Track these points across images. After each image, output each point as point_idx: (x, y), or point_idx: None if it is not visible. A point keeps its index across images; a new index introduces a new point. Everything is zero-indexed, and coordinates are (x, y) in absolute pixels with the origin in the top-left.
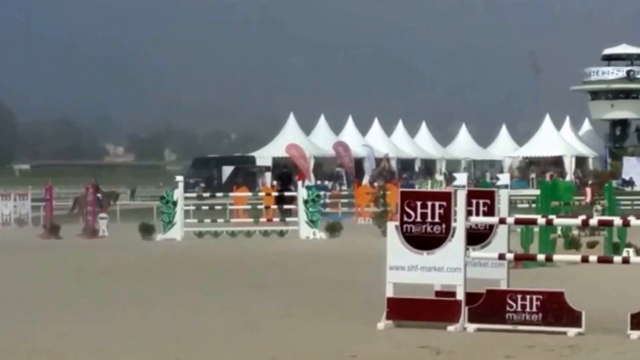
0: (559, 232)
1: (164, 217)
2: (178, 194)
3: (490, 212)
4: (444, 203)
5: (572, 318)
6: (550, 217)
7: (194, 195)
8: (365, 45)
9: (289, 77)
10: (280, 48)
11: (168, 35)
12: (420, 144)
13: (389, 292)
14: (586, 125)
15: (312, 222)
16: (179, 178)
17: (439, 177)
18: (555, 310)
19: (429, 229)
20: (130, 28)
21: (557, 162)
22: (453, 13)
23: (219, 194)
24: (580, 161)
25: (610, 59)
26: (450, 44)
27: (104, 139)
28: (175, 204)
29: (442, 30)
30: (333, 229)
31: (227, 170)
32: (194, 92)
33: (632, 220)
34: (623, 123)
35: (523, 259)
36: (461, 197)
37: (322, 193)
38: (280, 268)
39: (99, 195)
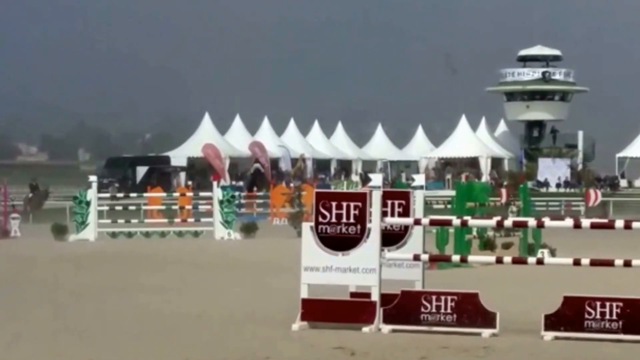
0: (474, 233)
1: (77, 218)
2: (91, 194)
3: (405, 213)
4: (359, 204)
5: (487, 319)
6: (466, 218)
7: (107, 195)
8: (283, 46)
9: (204, 77)
10: (195, 48)
11: (86, 37)
12: (336, 144)
13: (304, 293)
14: (502, 126)
15: (227, 223)
16: (93, 178)
17: (355, 177)
18: (470, 311)
19: (344, 229)
20: (43, 25)
21: (472, 163)
22: (370, 12)
23: (133, 195)
24: (496, 162)
25: (526, 60)
26: (367, 44)
27: (16, 138)
28: (88, 204)
29: (359, 30)
30: (248, 229)
31: (141, 171)
32: (108, 92)
33: (547, 221)
34: (538, 124)
35: (438, 260)
36: (376, 198)
37: (237, 194)
38: (193, 268)
39: (31, 194)
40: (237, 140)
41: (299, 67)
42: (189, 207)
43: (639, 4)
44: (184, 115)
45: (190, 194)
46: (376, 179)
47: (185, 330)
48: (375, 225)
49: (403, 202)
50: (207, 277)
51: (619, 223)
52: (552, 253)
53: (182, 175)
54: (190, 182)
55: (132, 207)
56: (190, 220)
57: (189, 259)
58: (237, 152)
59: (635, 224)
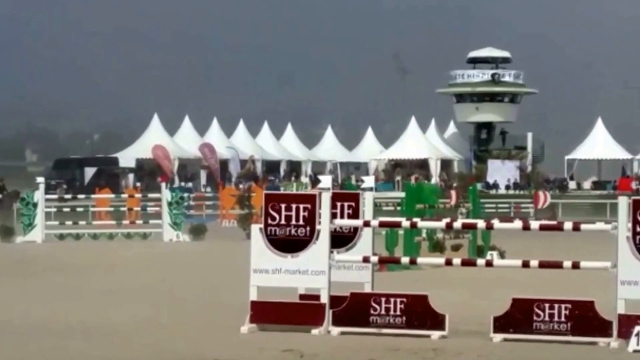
0: (424, 234)
1: (24, 219)
2: (39, 195)
3: (354, 214)
4: (309, 206)
5: (436, 321)
6: (415, 219)
7: (55, 196)
8: (232, 46)
9: (152, 77)
10: (144, 48)
11: (33, 37)
12: (285, 146)
13: (253, 296)
14: (451, 128)
15: (175, 225)
16: (40, 179)
17: (305, 179)
18: (419, 313)
19: (293, 231)
20: None
21: (422, 165)
22: (317, 13)
23: (81, 196)
24: (446, 164)
25: (476, 62)
26: (316, 45)
27: None
28: (35, 205)
29: (308, 31)
30: (197, 231)
31: (89, 172)
32: (56, 92)
33: (496, 223)
34: (488, 126)
35: (387, 262)
36: (326, 200)
37: (185, 195)
38: (142, 271)
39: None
40: (186, 142)
41: (248, 68)
42: (137, 208)
43: (587, 7)
44: (132, 116)
45: (138, 195)
46: (325, 180)
47: (134, 333)
48: (324, 227)
49: (352, 203)
50: (156, 280)
51: (568, 225)
52: (502, 255)
53: (131, 176)
54: (138, 184)
55: (80, 209)
56: (139, 222)
57: (137, 261)
58: (186, 154)
59: (583, 226)
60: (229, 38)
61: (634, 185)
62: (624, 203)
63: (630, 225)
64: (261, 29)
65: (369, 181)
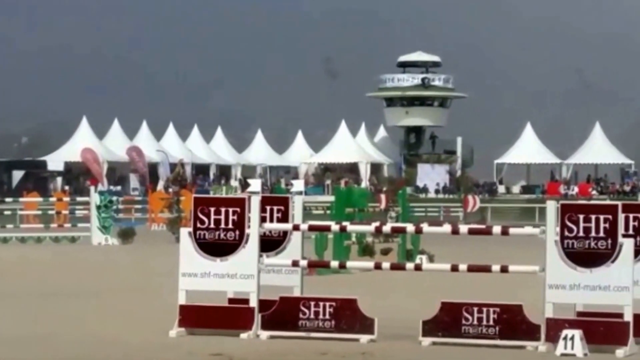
0: (353, 238)
1: None
2: None
3: (284, 218)
4: (238, 209)
5: (365, 325)
6: (344, 223)
7: None
8: (161, 50)
9: (81, 80)
10: (73, 50)
11: None
12: (215, 150)
13: (181, 300)
14: (381, 132)
15: (104, 228)
16: None
17: (234, 183)
18: (348, 317)
19: (222, 235)
20: None
21: (352, 169)
22: (247, 17)
23: (8, 199)
24: (375, 168)
25: (406, 66)
26: (246, 48)
27: None
28: None
29: (237, 35)
30: (126, 235)
31: (17, 175)
32: None
33: (425, 227)
34: (417, 130)
35: (317, 266)
36: (255, 204)
37: (114, 198)
38: (69, 275)
39: None
40: (115, 145)
41: (177, 71)
42: (65, 212)
43: (517, 11)
44: (61, 119)
45: (67, 198)
46: (255, 184)
47: (61, 337)
48: (253, 230)
49: (282, 207)
50: (84, 283)
51: (497, 229)
52: (431, 259)
53: (59, 179)
54: (67, 187)
55: (7, 212)
56: (67, 225)
57: (65, 264)
58: (115, 157)
59: (512, 230)
60: (158, 40)
61: (562, 189)
62: (552, 207)
63: (558, 229)
64: (188, 32)
65: (298, 185)
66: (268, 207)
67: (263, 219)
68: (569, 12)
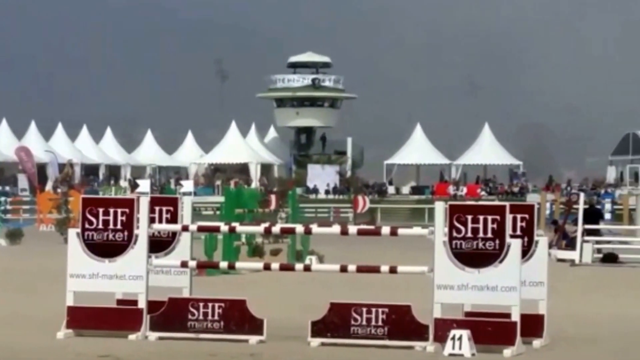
0: (243, 239)
1: None
2: None
3: (173, 219)
4: (127, 210)
5: (254, 326)
6: (234, 224)
7: None
8: (50, 48)
9: None
10: None
11: None
12: (105, 150)
13: (69, 301)
14: (272, 133)
15: None
16: None
17: (124, 183)
18: (237, 318)
19: (111, 236)
20: None
21: (242, 169)
22: (136, 16)
23: None
24: (266, 168)
25: (296, 67)
26: (137, 49)
27: None
28: None
29: (128, 34)
30: (13, 235)
31: None
32: None
33: (314, 227)
34: (308, 131)
35: (206, 267)
36: (144, 204)
37: (2, 199)
38: None
39: None
40: (3, 145)
41: (66, 70)
42: None
43: (408, 13)
44: None
45: None
46: (144, 185)
47: None
48: (142, 231)
49: (171, 208)
50: None
51: (385, 230)
52: (321, 259)
53: None
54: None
55: None
56: None
57: None
58: (3, 157)
59: (401, 231)
60: (48, 39)
61: (451, 190)
62: (440, 208)
63: (446, 229)
64: (80, 32)
65: (188, 186)
66: (157, 208)
67: (152, 220)
68: (458, 14)
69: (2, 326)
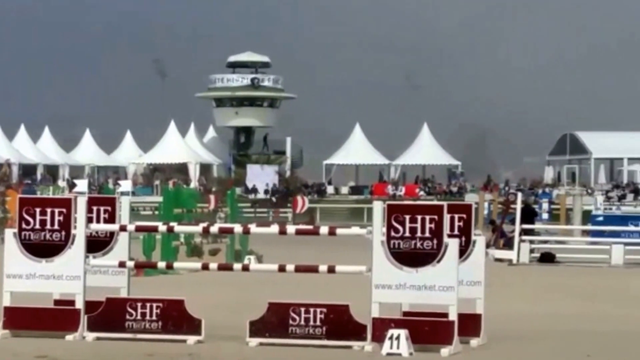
0: (182, 239)
1: None
2: None
3: (111, 219)
4: (64, 210)
5: (192, 326)
6: (172, 224)
7: None
8: None
9: None
10: None
11: None
12: (43, 149)
13: (6, 301)
14: (211, 132)
15: None
16: None
17: (62, 183)
18: (175, 318)
19: (48, 236)
20: None
21: (181, 169)
22: (80, 13)
23: None
24: (205, 168)
25: (235, 67)
26: (73, 46)
27: None
28: None
29: (67, 31)
30: None
31: None
32: None
33: (253, 227)
34: (247, 130)
35: (144, 267)
36: (81, 204)
37: None
38: None
39: None
40: None
41: (2, 68)
42: None
43: (347, 12)
44: None
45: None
46: (82, 184)
47: None
48: (80, 231)
49: (109, 208)
50: None
51: (324, 229)
52: (259, 259)
53: None
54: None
55: None
56: None
57: None
58: None
59: (339, 230)
60: None
61: (390, 190)
62: (378, 208)
63: (384, 229)
64: (14, 29)
65: (126, 185)
66: (95, 208)
67: (90, 220)
68: (396, 13)
69: None
